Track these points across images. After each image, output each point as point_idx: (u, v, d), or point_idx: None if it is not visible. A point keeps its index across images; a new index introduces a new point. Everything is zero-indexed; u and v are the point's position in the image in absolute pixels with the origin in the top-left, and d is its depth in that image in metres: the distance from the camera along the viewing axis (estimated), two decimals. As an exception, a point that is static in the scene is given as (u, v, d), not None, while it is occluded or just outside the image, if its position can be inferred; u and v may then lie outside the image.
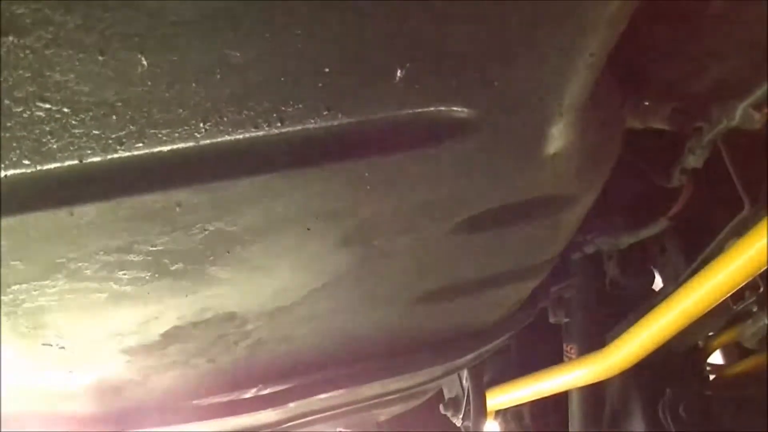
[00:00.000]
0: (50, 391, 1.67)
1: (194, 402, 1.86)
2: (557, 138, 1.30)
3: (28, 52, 0.86)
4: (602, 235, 2.35)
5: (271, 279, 1.42)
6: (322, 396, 1.94)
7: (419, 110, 1.13)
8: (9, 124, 0.93)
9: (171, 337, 1.52)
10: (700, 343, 3.07)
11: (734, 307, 2.32)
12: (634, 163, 2.09)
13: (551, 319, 2.64)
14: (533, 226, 1.60)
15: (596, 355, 2.44)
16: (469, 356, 2.05)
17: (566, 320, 2.64)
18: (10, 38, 0.84)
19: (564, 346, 2.84)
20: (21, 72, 0.88)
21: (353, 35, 0.97)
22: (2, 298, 1.24)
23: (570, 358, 2.77)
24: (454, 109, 1.15)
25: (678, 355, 2.75)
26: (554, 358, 2.81)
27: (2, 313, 1.28)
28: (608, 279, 2.82)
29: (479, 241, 1.56)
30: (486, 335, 2.07)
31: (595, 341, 2.51)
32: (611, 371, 2.42)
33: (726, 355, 3.51)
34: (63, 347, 1.45)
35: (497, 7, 1.01)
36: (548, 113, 1.23)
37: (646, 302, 2.34)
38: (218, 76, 0.96)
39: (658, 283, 2.98)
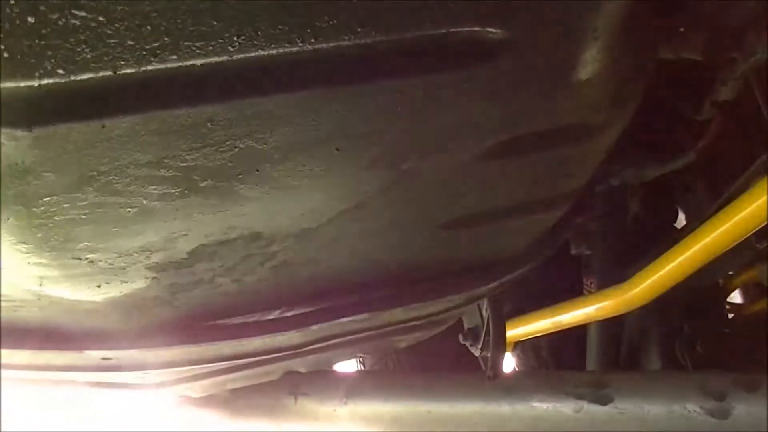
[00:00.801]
0: (77, 305, 1.69)
1: (219, 321, 1.89)
2: (590, 63, 1.28)
3: (64, -43, 0.85)
4: (628, 166, 2.34)
5: (299, 200, 1.42)
6: (345, 320, 1.96)
7: (454, 30, 1.12)
8: (44, 32, 0.93)
9: (197, 254, 1.53)
10: (721, 281, 3.07)
11: (757, 245, 2.31)
12: (663, 94, 2.06)
13: (572, 251, 2.65)
14: (561, 154, 1.59)
15: (616, 288, 2.45)
16: (491, 285, 2.06)
17: (587, 252, 2.65)
18: (46, -59, 0.83)
19: (584, 279, 2.85)
20: (57, -23, 0.87)
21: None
22: (35, 210, 1.25)
23: (590, 292, 2.79)
24: (489, 30, 1.13)
25: (698, 293, 2.76)
26: (574, 291, 2.83)
27: (34, 225, 1.29)
28: (631, 215, 2.82)
29: (506, 167, 1.56)
30: (508, 265, 2.07)
31: (615, 275, 2.52)
32: (631, 305, 2.43)
33: (745, 294, 3.52)
34: (92, 261, 1.46)
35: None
36: (583, 36, 1.22)
37: (668, 239, 2.34)
38: (253, -10, 0.95)
39: (681, 222, 2.98)
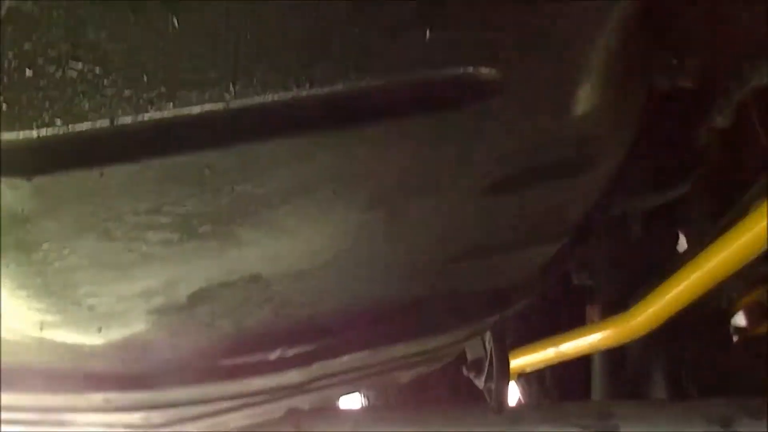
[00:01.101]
0: (78, 348, 1.69)
1: (220, 362, 1.88)
2: (584, 97, 1.29)
3: (60, 10, 0.86)
4: (628, 196, 2.34)
5: (297, 241, 1.43)
6: (346, 357, 1.95)
7: (447, 71, 1.12)
8: (42, 84, 0.94)
9: (198, 297, 1.53)
10: (724, 304, 3.06)
11: (759, 268, 2.31)
12: (660, 122, 2.07)
13: (575, 280, 2.64)
14: (559, 187, 1.59)
15: (619, 317, 2.45)
16: (493, 318, 2.05)
17: (589, 282, 2.65)
18: (44, -3, 0.84)
19: (586, 307, 2.84)
20: (54, 31, 0.88)
21: (384, -6, 0.97)
22: (34, 256, 1.25)
23: (592, 320, 2.78)
24: (482, 69, 1.14)
25: (701, 317, 2.75)
26: (576, 321, 2.82)
27: (34, 272, 1.29)
28: (632, 240, 2.82)
29: (504, 203, 1.56)
30: (510, 297, 2.07)
31: (617, 303, 2.51)
32: (634, 333, 2.43)
33: (749, 316, 3.51)
34: (91, 306, 1.46)
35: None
36: (575, 71, 1.22)
37: (669, 264, 2.34)
38: (248, 36, 0.96)
39: (682, 244, 2.98)
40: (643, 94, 1.63)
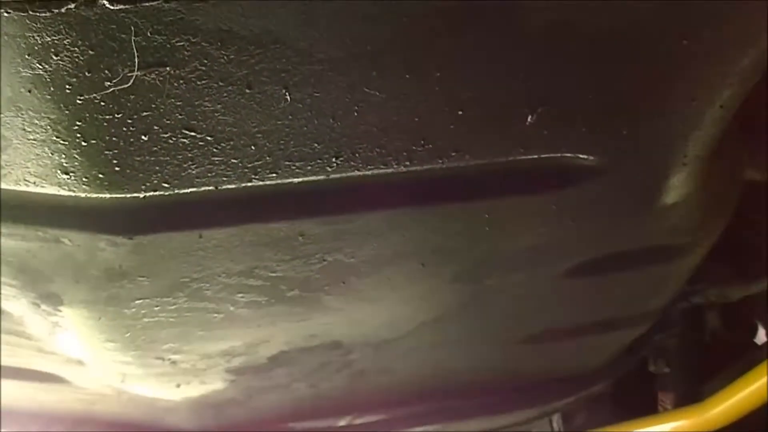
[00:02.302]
0: (155, 402, 1.71)
1: (290, 424, 1.89)
2: (678, 188, 1.28)
3: (182, 82, 0.90)
4: (712, 286, 2.29)
5: (381, 311, 1.44)
6: (416, 429, 1.94)
7: (545, 155, 1.13)
8: (155, 149, 0.97)
9: (277, 360, 1.55)
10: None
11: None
12: (748, 213, 2.03)
13: (650, 368, 2.58)
14: (645, 274, 1.57)
15: (695, 408, 2.37)
16: (566, 400, 2.02)
17: (666, 370, 2.58)
18: (168, 69, 0.87)
19: (659, 394, 2.76)
20: (172, 101, 0.92)
21: (490, 80, 0.98)
22: (125, 311, 1.29)
23: (664, 408, 2.70)
24: (580, 156, 1.15)
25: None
26: (647, 406, 2.74)
27: (124, 326, 1.33)
28: (709, 329, 2.74)
29: (589, 286, 1.55)
30: (584, 380, 2.04)
31: (690, 392, 2.44)
32: (710, 426, 2.34)
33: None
34: (174, 362, 1.49)
35: (632, 60, 1.01)
36: (672, 163, 1.22)
37: (747, 356, 2.27)
38: (356, 114, 0.98)
39: (760, 336, 2.89)
40: (737, 187, 1.61)
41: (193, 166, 1.01)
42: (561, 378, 2.04)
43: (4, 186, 1.05)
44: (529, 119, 1.05)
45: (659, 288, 1.71)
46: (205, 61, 0.88)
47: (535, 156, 1.13)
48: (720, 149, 1.31)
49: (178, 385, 1.61)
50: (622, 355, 2.09)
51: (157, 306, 1.29)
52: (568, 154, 1.14)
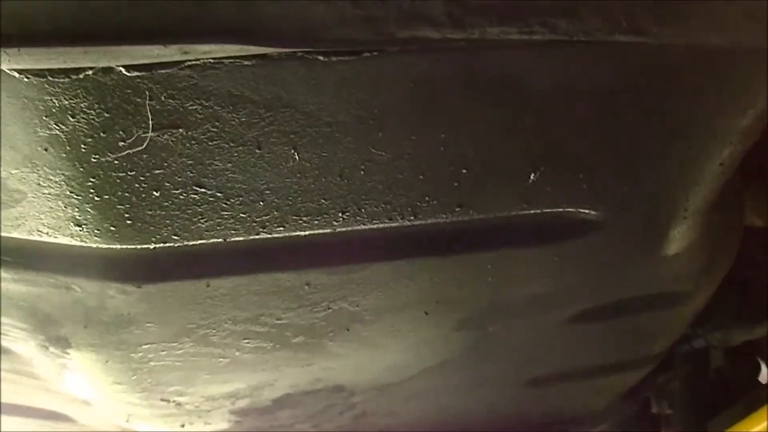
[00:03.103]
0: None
1: (293, 465, 1.89)
2: (679, 239, 1.30)
3: (193, 143, 0.92)
4: (715, 330, 2.29)
5: (385, 356, 1.45)
6: (419, 470, 1.94)
7: (547, 210, 1.15)
8: (165, 204, 1.00)
9: (282, 402, 1.56)
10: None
11: None
12: (749, 256, 2.05)
13: (654, 410, 2.58)
14: (646, 320, 1.59)
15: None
16: (569, 443, 2.03)
17: (669, 411, 2.58)
18: (180, 130, 0.90)
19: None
20: (184, 159, 0.94)
21: (493, 141, 1.01)
22: (133, 355, 1.30)
23: (668, 448, 2.70)
24: (582, 210, 1.17)
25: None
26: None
27: (131, 369, 1.34)
28: (713, 368, 2.74)
29: (591, 331, 1.56)
30: (587, 422, 2.04)
31: (696, 429, 2.44)
32: (713, 466, 2.35)
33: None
34: (179, 404, 1.50)
35: (632, 120, 1.03)
36: (673, 216, 1.24)
37: (751, 395, 2.27)
38: (362, 172, 1.01)
39: (764, 374, 2.88)
40: (738, 234, 1.63)
41: (202, 220, 1.04)
42: (564, 421, 2.04)
43: (16, 235, 1.08)
44: (531, 177, 1.07)
45: (662, 333, 1.73)
46: (217, 123, 0.91)
47: (538, 210, 1.15)
48: (721, 201, 1.32)
49: (183, 426, 1.62)
50: (626, 397, 2.10)
51: (163, 351, 1.31)
52: (570, 209, 1.16)
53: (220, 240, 1.07)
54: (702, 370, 2.52)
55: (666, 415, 2.58)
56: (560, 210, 1.16)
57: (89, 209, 0.99)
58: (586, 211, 1.17)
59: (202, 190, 0.99)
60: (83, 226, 1.02)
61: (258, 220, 1.05)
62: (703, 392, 2.58)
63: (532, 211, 1.15)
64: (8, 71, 0.80)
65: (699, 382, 2.53)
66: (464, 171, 1.04)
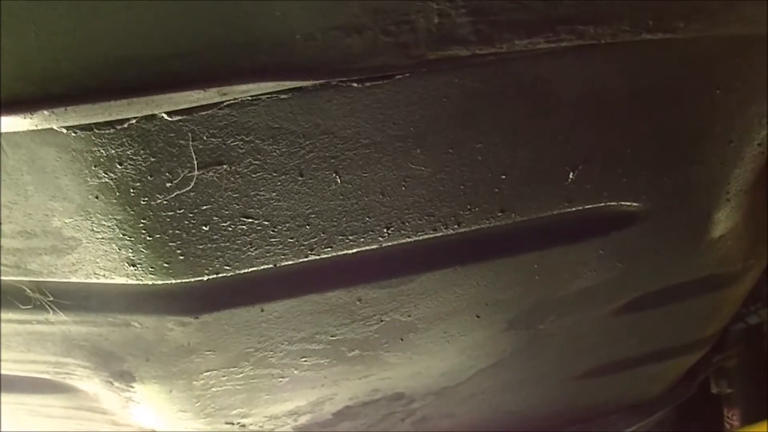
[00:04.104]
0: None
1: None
2: (723, 221, 1.30)
3: (237, 176, 0.95)
4: (766, 305, 2.28)
5: (440, 362, 1.47)
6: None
7: (589, 206, 1.16)
8: (215, 237, 1.02)
9: (342, 415, 1.59)
10: None
11: None
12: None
13: (713, 390, 2.56)
14: (696, 304, 1.58)
15: (763, 425, 2.35)
16: (630, 429, 2.02)
17: (729, 390, 2.56)
18: (224, 166, 0.92)
19: (725, 411, 2.74)
20: (230, 193, 0.97)
21: (531, 144, 1.02)
22: (195, 383, 1.33)
23: (732, 425, 2.68)
24: (623, 203, 1.17)
25: None
26: (713, 427, 2.72)
27: (194, 396, 1.38)
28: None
29: (642, 319, 1.56)
30: (646, 409, 2.04)
31: (758, 405, 2.42)
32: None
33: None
34: (243, 425, 1.53)
35: (668, 113, 1.04)
36: (715, 200, 1.24)
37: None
38: (403, 188, 1.02)
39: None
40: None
41: (252, 249, 1.06)
42: (623, 408, 2.04)
43: (75, 279, 1.11)
44: (570, 176, 1.08)
45: (713, 315, 1.72)
46: (259, 156, 0.93)
47: (580, 207, 1.16)
48: (762, 179, 1.32)
49: (247, 446, 1.65)
50: (683, 380, 2.09)
51: (224, 376, 1.34)
52: (612, 203, 1.17)
53: (270, 266, 1.10)
54: (759, 346, 2.50)
55: (727, 394, 2.56)
56: (602, 205, 1.17)
57: (142, 249, 1.02)
58: (628, 203, 1.18)
59: (250, 220, 1.01)
60: (138, 266, 1.05)
61: (306, 243, 1.07)
62: (762, 368, 2.56)
63: (574, 209, 1.16)
64: (57, 129, 0.83)
65: (757, 358, 2.51)
66: (503, 177, 1.05)
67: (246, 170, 0.94)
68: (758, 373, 2.53)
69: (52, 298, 1.15)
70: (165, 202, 0.95)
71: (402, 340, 1.35)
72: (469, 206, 1.08)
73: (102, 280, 1.10)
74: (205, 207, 0.98)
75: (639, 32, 0.84)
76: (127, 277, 1.08)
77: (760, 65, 1.01)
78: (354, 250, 1.11)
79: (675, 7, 0.83)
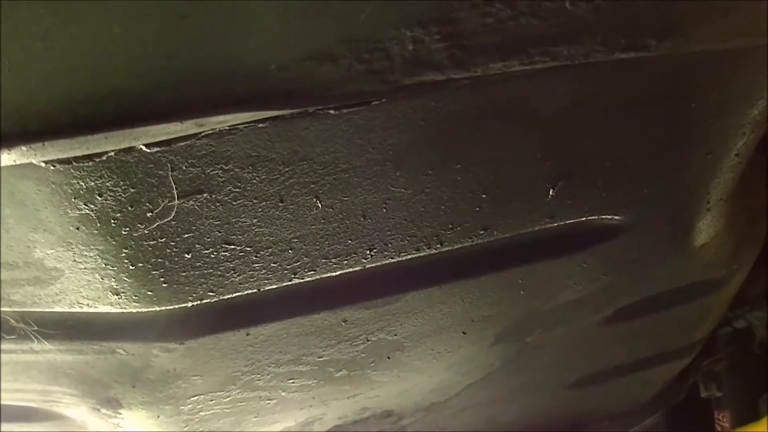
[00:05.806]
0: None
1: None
2: (705, 230, 1.31)
3: (218, 204, 0.95)
4: (754, 310, 2.29)
5: (428, 378, 1.47)
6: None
7: (571, 221, 1.17)
8: (198, 264, 1.02)
9: (332, 434, 1.59)
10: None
11: None
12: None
13: (703, 394, 2.57)
14: (683, 311, 1.59)
15: (755, 426, 2.36)
16: (620, 437, 2.03)
17: (718, 394, 2.57)
18: (204, 195, 0.93)
19: (715, 413, 2.75)
20: (211, 221, 0.97)
21: (510, 162, 1.02)
22: (182, 408, 1.33)
23: (723, 426, 2.68)
24: (605, 217, 1.18)
25: None
26: (705, 425, 2.73)
27: (182, 421, 1.37)
28: (757, 341, 2.73)
29: (629, 328, 1.57)
30: (636, 415, 2.05)
31: (748, 407, 2.43)
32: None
33: None
34: (232, 447, 1.53)
35: (644, 127, 1.05)
36: (696, 210, 1.25)
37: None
38: (385, 210, 1.03)
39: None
40: (763, 214, 1.63)
41: (235, 274, 1.06)
42: (614, 415, 2.05)
43: (58, 309, 1.11)
44: (551, 193, 1.09)
45: (700, 320, 1.73)
46: (239, 184, 0.93)
47: (562, 222, 1.17)
48: (742, 186, 1.33)
49: (238, 467, 1.65)
50: (673, 386, 2.10)
51: (212, 400, 1.34)
52: (593, 217, 1.18)
53: (254, 291, 1.10)
54: (746, 349, 2.51)
55: (716, 397, 2.57)
56: (584, 219, 1.18)
57: (125, 278, 1.02)
58: (609, 216, 1.19)
59: (232, 246, 1.02)
60: (121, 294, 1.05)
61: (289, 267, 1.08)
62: (750, 370, 2.57)
63: (556, 224, 1.16)
64: (36, 163, 0.83)
65: (745, 361, 2.52)
66: (484, 196, 1.06)
67: (226, 198, 0.94)
68: (746, 377, 2.54)
69: (36, 328, 1.15)
70: (147, 232, 0.95)
71: (389, 358, 1.35)
72: (450, 225, 1.09)
73: (86, 309, 1.10)
74: (186, 235, 0.98)
75: (612, 52, 0.85)
76: (111, 305, 1.08)
77: (735, 78, 1.01)
78: (338, 273, 1.11)
79: (647, 26, 0.84)
